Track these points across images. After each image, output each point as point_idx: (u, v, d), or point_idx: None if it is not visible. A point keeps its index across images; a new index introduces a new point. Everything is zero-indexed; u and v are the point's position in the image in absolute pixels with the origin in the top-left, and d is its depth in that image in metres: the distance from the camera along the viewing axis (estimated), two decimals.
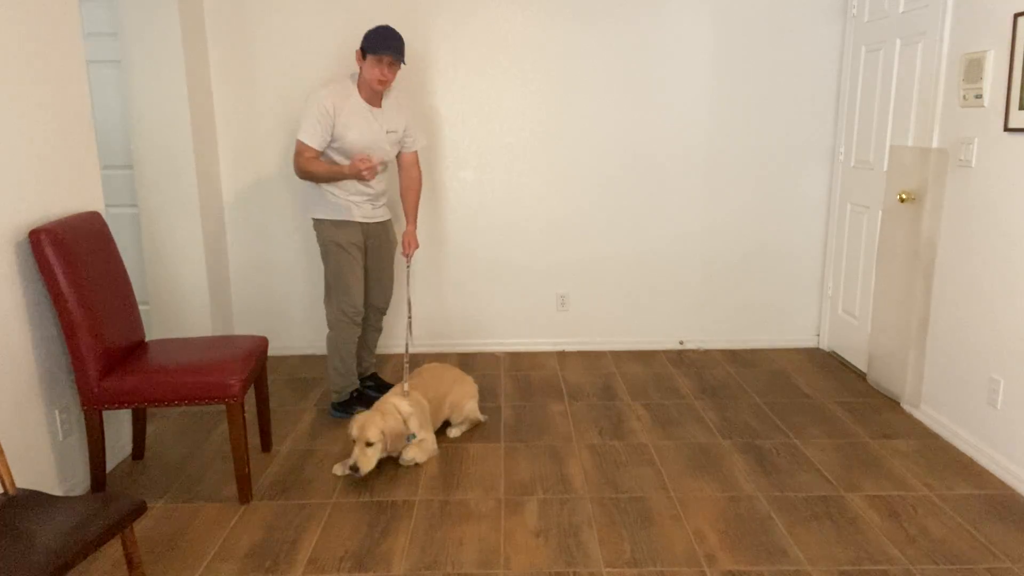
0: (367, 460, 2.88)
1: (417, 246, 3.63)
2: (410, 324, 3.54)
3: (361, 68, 3.25)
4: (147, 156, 3.86)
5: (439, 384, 3.31)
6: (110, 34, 3.88)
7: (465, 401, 3.36)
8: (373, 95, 3.30)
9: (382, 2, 4.08)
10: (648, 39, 4.17)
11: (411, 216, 3.61)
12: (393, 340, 4.41)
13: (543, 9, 4.13)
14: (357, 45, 3.64)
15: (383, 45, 3.18)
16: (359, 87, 3.29)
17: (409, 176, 3.58)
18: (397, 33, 3.23)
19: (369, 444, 2.88)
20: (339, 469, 3.02)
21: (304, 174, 3.27)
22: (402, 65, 3.30)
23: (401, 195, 3.61)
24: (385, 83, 3.25)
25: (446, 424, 3.38)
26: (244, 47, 4.11)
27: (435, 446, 3.17)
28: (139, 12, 3.70)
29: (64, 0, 2.80)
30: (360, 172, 3.20)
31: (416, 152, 3.57)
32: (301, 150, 3.24)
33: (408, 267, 3.60)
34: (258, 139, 4.20)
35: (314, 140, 3.22)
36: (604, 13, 4.13)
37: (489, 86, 4.22)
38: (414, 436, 3.05)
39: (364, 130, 3.27)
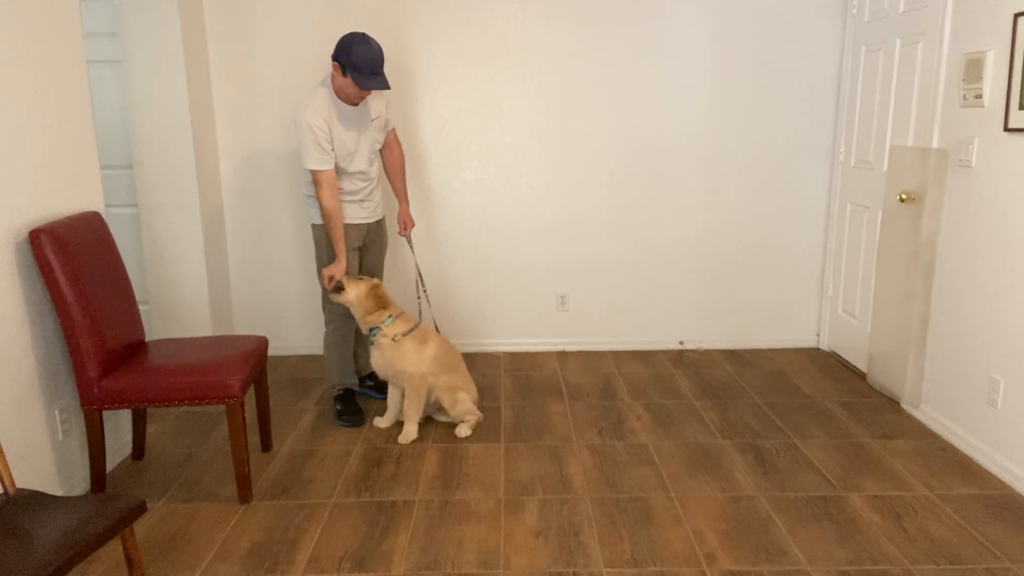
0: (350, 285, 3.25)
1: (413, 225, 3.71)
2: (425, 294, 3.89)
3: (335, 76, 3.16)
4: (147, 156, 3.85)
5: (452, 358, 3.39)
6: (110, 34, 3.88)
7: (461, 394, 3.36)
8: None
9: (382, 3, 4.08)
10: (648, 38, 4.17)
11: (401, 195, 3.67)
12: None
13: (543, 9, 4.13)
14: None
15: (371, 79, 3.09)
16: (335, 91, 3.22)
17: (391, 153, 3.60)
18: (381, 56, 3.12)
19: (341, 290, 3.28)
20: (380, 421, 3.42)
21: (323, 207, 3.21)
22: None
23: (387, 174, 3.65)
24: (362, 98, 3.22)
25: (452, 424, 3.40)
26: (244, 47, 4.11)
27: (472, 407, 3.41)
28: (139, 12, 3.70)
29: (64, 0, 2.80)
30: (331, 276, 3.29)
31: (394, 129, 3.60)
32: (320, 180, 3.18)
33: (411, 247, 3.71)
34: (258, 139, 4.20)
35: (324, 163, 3.19)
36: (604, 13, 4.13)
37: (489, 86, 4.22)
38: (390, 319, 3.27)
39: (351, 133, 3.27)
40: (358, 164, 3.34)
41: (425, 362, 3.27)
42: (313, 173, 3.21)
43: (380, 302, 3.24)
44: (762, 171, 4.32)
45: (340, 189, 3.33)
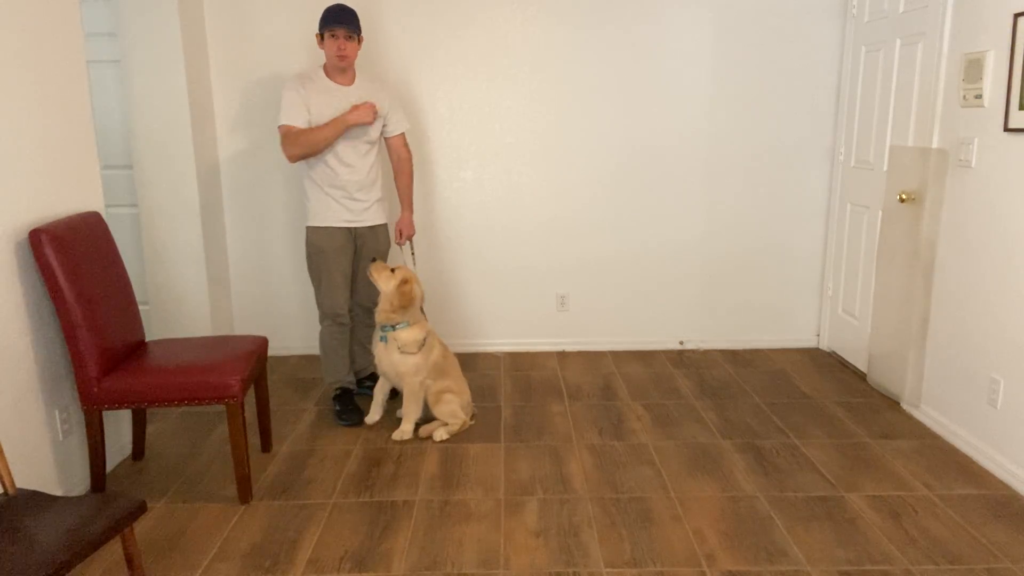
0: (382, 276, 3.22)
1: (413, 233, 3.67)
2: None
3: (323, 51, 3.34)
4: (147, 156, 3.86)
5: (448, 365, 3.37)
6: (110, 34, 3.88)
7: (447, 395, 3.31)
8: (341, 74, 3.35)
9: (381, 3, 4.08)
10: (648, 39, 4.17)
11: (405, 202, 3.64)
12: None
13: (543, 9, 4.13)
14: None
15: (333, 20, 3.25)
16: (326, 71, 3.37)
17: (399, 158, 3.60)
18: (348, 7, 3.29)
19: (393, 270, 3.25)
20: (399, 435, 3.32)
21: (299, 148, 3.25)
22: (361, 39, 3.34)
23: (394, 179, 3.66)
24: (345, 57, 3.28)
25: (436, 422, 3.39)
26: (244, 47, 4.11)
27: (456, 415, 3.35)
28: (139, 12, 3.70)
29: (64, 0, 2.80)
30: (357, 111, 3.25)
31: (403, 135, 3.58)
32: (286, 132, 3.28)
33: (412, 254, 3.73)
34: (258, 139, 4.20)
35: (296, 119, 3.27)
36: (604, 13, 4.13)
37: (489, 86, 4.22)
38: (405, 324, 3.25)
39: (335, 106, 3.30)
40: (337, 146, 3.32)
41: (427, 368, 3.28)
42: (283, 128, 3.29)
43: (405, 302, 3.22)
44: (762, 171, 4.32)
45: (324, 171, 3.34)
